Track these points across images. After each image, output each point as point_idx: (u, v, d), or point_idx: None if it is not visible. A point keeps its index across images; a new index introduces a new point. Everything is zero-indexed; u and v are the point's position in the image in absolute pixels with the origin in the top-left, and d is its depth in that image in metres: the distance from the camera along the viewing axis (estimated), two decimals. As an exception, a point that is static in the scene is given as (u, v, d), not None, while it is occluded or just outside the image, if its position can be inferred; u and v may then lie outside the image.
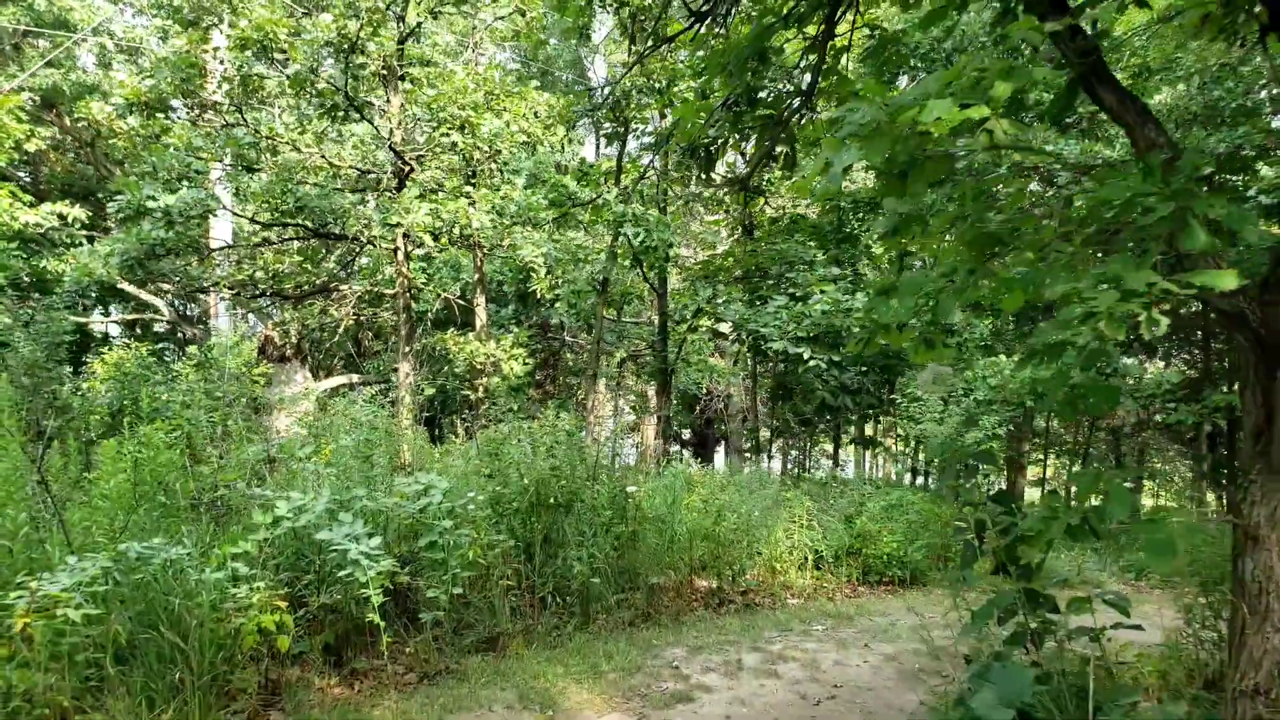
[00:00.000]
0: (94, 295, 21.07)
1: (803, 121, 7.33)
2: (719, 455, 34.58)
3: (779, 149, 7.52)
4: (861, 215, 18.09)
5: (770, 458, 24.22)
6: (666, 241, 14.63)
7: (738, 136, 7.55)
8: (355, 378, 17.55)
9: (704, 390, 28.68)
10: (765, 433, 32.79)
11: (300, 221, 13.29)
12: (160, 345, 19.59)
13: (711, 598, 10.17)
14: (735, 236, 20.16)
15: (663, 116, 17.86)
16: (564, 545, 8.77)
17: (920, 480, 18.74)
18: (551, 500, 8.73)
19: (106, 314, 24.45)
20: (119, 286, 16.73)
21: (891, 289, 5.23)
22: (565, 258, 13.89)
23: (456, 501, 7.46)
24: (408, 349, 14.27)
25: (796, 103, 7.23)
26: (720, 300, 16.34)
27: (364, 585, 5.75)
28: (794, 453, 39.14)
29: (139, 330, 24.73)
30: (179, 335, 21.57)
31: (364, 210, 12.46)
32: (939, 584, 11.92)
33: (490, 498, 8.69)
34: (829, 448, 38.29)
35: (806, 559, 11.55)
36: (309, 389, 15.33)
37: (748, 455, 29.91)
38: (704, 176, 7.70)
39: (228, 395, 9.42)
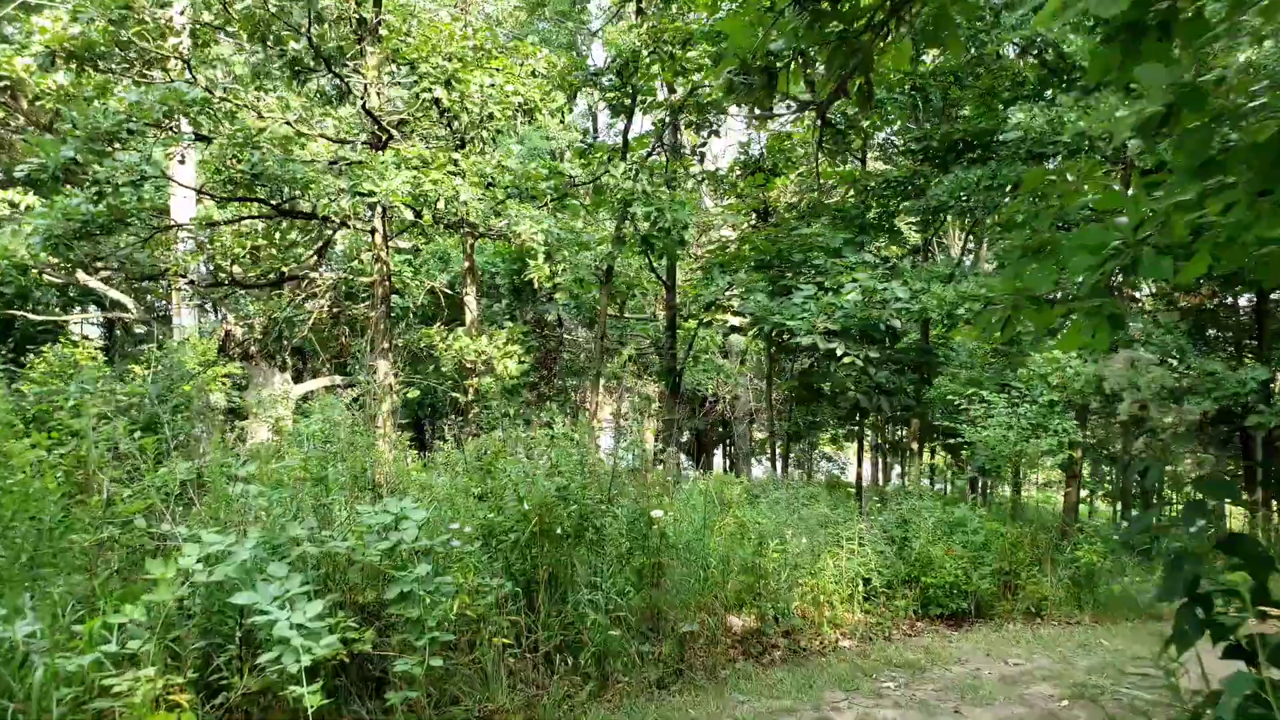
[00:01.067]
0: (71, 294, 19.19)
1: (885, 43, 5.54)
2: (717, 459, 32.85)
3: (855, 78, 5.72)
4: (890, 196, 16.36)
5: (772, 461, 22.46)
6: (682, 223, 12.83)
7: (810, 52, 5.76)
8: (339, 379, 15.73)
9: (710, 391, 26.96)
10: (760, 434, 31.04)
11: (258, 196, 11.46)
12: (140, 346, 17.74)
13: (751, 642, 8.36)
14: (750, 223, 18.38)
15: (672, 90, 16.09)
16: (573, 586, 6.97)
17: (972, 492, 16.98)
18: (558, 530, 6.93)
19: (85, 311, 22.58)
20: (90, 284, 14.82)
21: (1045, 247, 3.67)
22: (569, 237, 12.06)
23: (437, 538, 5.66)
24: (385, 345, 12.44)
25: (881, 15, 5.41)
26: (738, 291, 14.55)
27: (295, 677, 3.94)
28: (792, 456, 37.55)
29: (120, 330, 22.89)
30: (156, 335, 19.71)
31: (332, 180, 10.63)
32: (1009, 615, 10.15)
33: (481, 527, 6.89)
34: (828, 449, 36.73)
35: (856, 588, 9.76)
36: (286, 392, 13.52)
37: (759, 459, 28.17)
38: (760, 107, 5.93)
39: (154, 398, 7.58)
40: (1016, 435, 10.67)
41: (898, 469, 20.56)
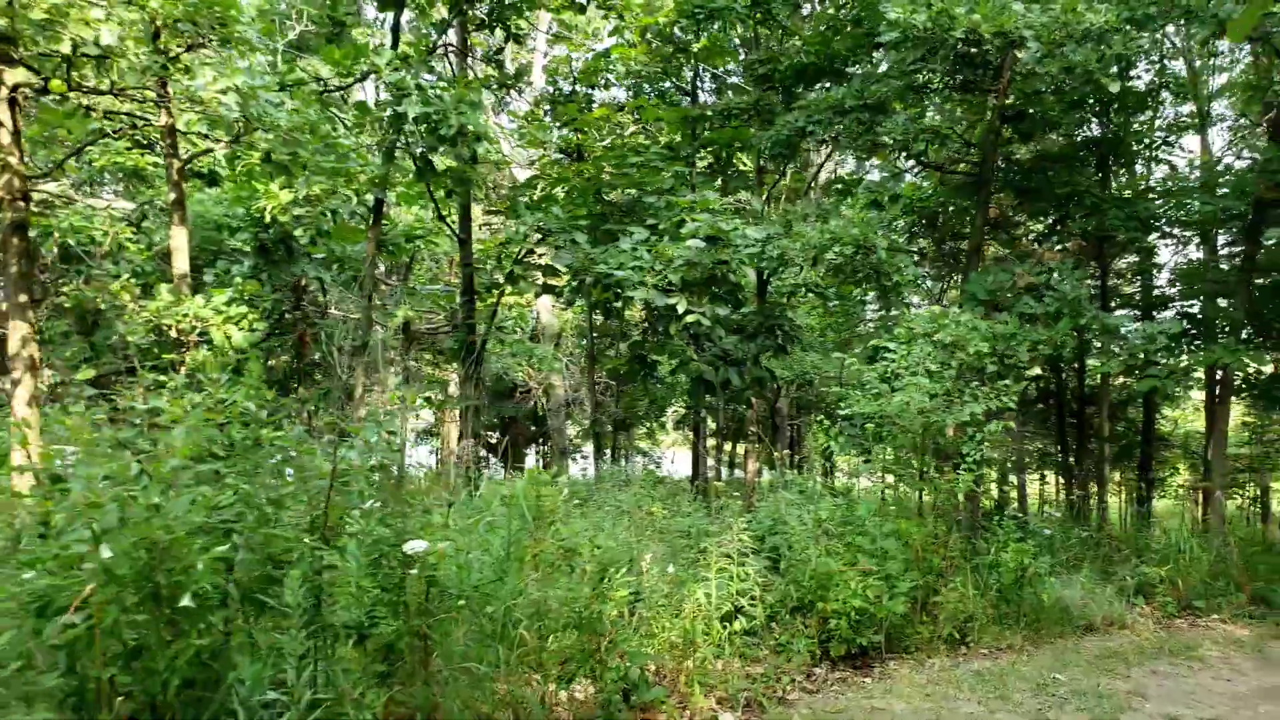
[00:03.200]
0: None
1: None
2: (531, 458, 29.40)
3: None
4: (730, 127, 13.63)
5: (598, 456, 19.46)
6: (475, 132, 9.44)
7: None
8: None
9: (521, 379, 23.54)
10: (572, 430, 27.89)
11: None
12: None
13: (588, 736, 5.15)
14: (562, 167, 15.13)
15: None
16: (237, 698, 3.49)
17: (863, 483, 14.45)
18: (208, 589, 3.41)
19: None
20: None
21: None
22: (309, 139, 8.22)
23: None
24: (23, 298, 8.24)
25: None
26: (551, 242, 11.28)
27: None
28: (609, 449, 34.80)
29: None
30: None
31: None
32: (928, 645, 7.45)
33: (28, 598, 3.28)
34: (643, 444, 34.22)
35: (733, 626, 6.75)
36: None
37: (575, 456, 25.02)
38: None
39: None
40: (938, 403, 8.04)
41: (754, 463, 18.10)
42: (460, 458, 12.38)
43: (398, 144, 10.59)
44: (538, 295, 15.23)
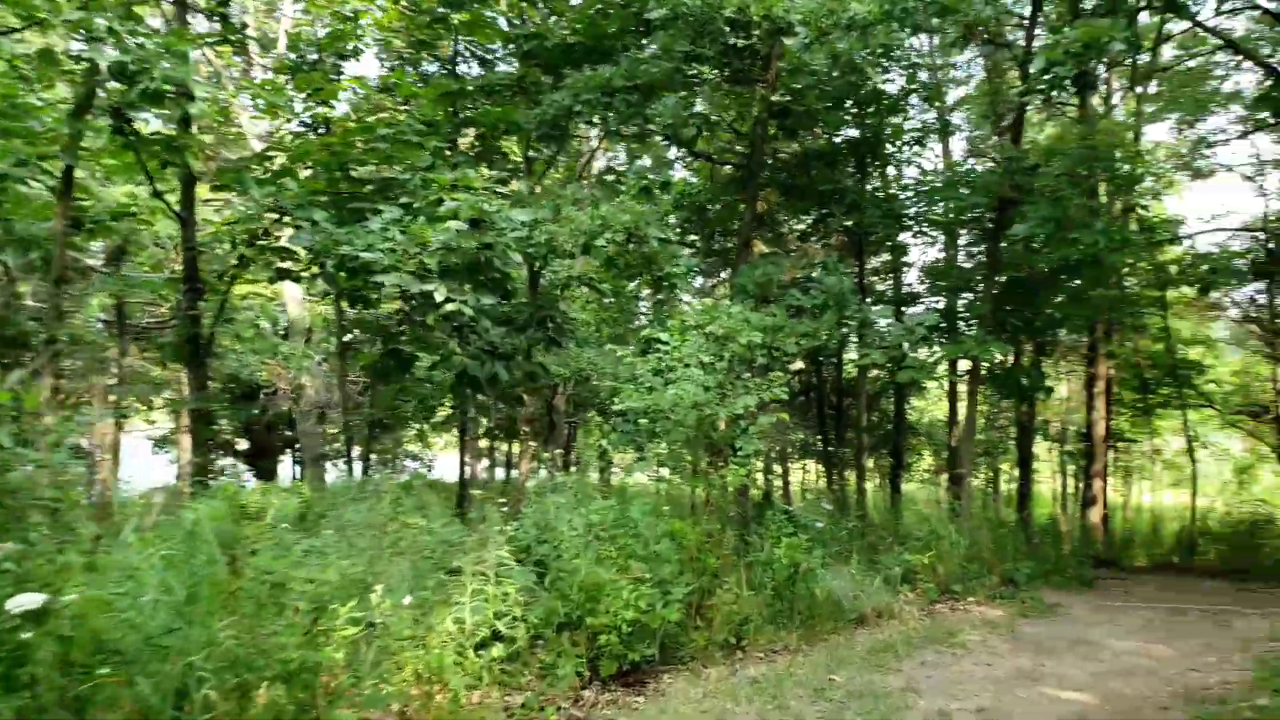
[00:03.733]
0: None
1: None
2: (286, 466, 26.89)
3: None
4: (495, 103, 12.77)
5: (350, 461, 18.02)
6: (183, 79, 7.97)
7: None
8: None
9: (265, 379, 21.31)
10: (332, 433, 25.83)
11: None
12: None
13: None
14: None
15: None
16: None
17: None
18: None
19: None
20: None
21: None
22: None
23: None
24: None
25: None
26: (286, 206, 9.88)
27: None
28: (375, 456, 32.77)
29: None
30: None
31: None
32: (705, 652, 6.97)
33: None
34: (413, 446, 32.45)
35: (490, 653, 5.91)
36: None
37: (336, 463, 23.06)
38: None
39: None
40: (709, 395, 7.57)
41: (528, 464, 17.20)
42: (181, 472, 10.68)
43: (92, 101, 8.84)
44: (272, 281, 13.57)
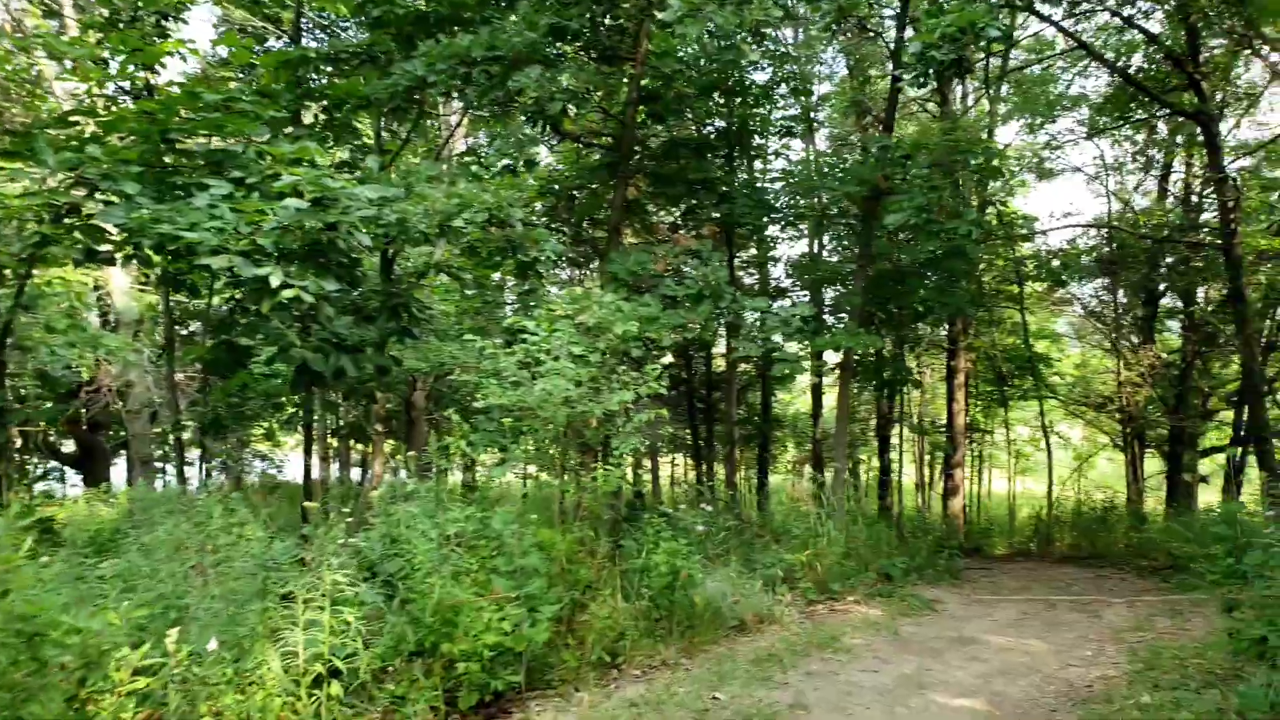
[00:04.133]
0: None
1: None
2: (119, 471, 24.49)
3: None
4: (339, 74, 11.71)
5: (180, 467, 16.45)
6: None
7: None
8: None
9: (87, 376, 19.20)
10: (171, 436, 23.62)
11: None
12: None
13: None
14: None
15: None
16: None
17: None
18: None
19: None
20: None
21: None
22: None
23: None
24: None
25: None
26: (91, 177, 8.57)
27: None
28: (219, 458, 30.56)
29: None
30: None
31: None
32: (576, 675, 6.30)
33: None
34: (263, 446, 30.32)
35: (326, 689, 5.08)
36: None
37: (164, 469, 21.09)
38: None
39: None
40: (580, 391, 6.89)
41: (380, 467, 15.98)
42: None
43: None
44: (78, 264, 12.00)
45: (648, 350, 9.13)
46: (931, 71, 9.14)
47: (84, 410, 20.15)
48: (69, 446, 23.57)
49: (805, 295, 17.87)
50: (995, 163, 12.91)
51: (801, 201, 17.98)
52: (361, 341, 10.77)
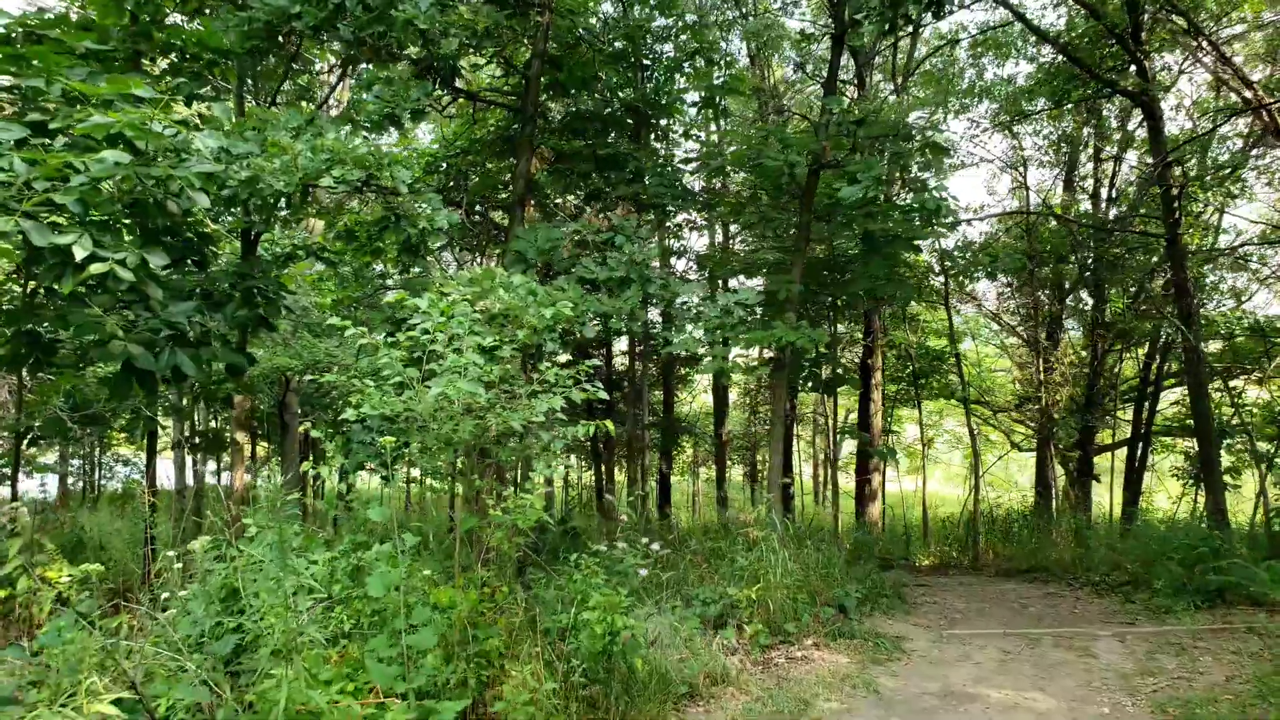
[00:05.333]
0: None
1: None
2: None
3: None
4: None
5: (14, 473, 13.84)
6: None
7: None
8: None
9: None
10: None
11: None
12: None
13: None
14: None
15: None
16: None
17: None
18: None
19: None
20: None
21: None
22: None
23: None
24: None
25: None
26: None
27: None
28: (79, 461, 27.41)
29: None
30: None
31: None
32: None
33: None
34: (125, 450, 27.13)
35: None
36: None
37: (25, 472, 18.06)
38: None
39: None
40: (490, 396, 5.19)
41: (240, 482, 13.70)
42: None
43: None
44: None
45: (564, 343, 7.51)
46: (899, 14, 7.84)
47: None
48: None
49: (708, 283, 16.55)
50: (932, 144, 11.84)
51: (716, 184, 16.67)
52: (206, 333, 8.76)
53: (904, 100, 17.42)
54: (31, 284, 8.75)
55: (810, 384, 13.32)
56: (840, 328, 17.70)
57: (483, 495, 5.63)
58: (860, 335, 17.38)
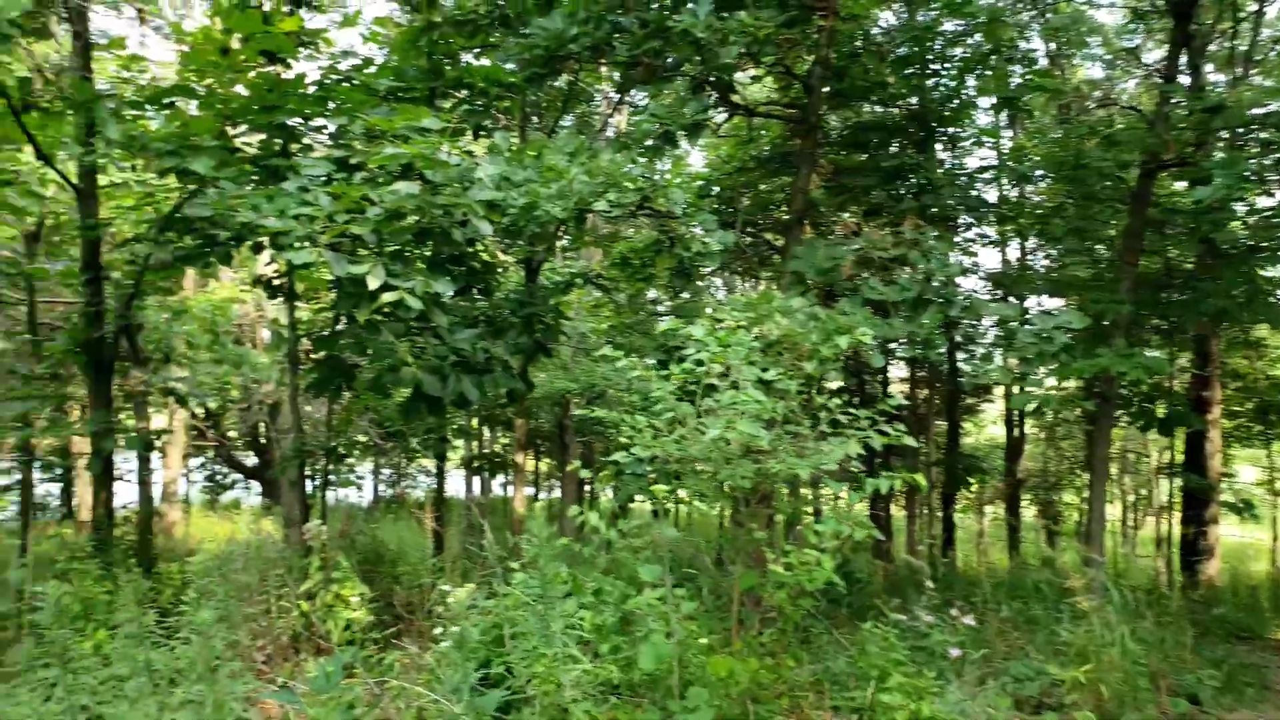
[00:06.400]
0: None
1: None
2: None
3: None
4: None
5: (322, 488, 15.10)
6: None
7: None
8: None
9: (235, 393, 18.53)
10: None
11: None
12: None
13: None
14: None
15: None
16: None
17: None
18: None
19: None
20: None
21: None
22: None
23: None
24: None
25: None
26: (156, 150, 7.00)
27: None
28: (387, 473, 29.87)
29: None
30: None
31: None
32: None
33: None
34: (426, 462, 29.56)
35: None
36: None
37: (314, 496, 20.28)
38: None
39: None
40: (774, 438, 4.56)
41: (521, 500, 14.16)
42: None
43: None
44: (172, 266, 10.50)
45: (850, 373, 6.72)
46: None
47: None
48: (249, 459, 23.47)
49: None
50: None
51: (1013, 194, 15.03)
52: (489, 359, 8.87)
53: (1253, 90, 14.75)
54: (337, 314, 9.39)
55: (1143, 422, 11.36)
56: (1158, 353, 15.27)
57: (762, 549, 4.99)
58: (1190, 363, 14.87)
